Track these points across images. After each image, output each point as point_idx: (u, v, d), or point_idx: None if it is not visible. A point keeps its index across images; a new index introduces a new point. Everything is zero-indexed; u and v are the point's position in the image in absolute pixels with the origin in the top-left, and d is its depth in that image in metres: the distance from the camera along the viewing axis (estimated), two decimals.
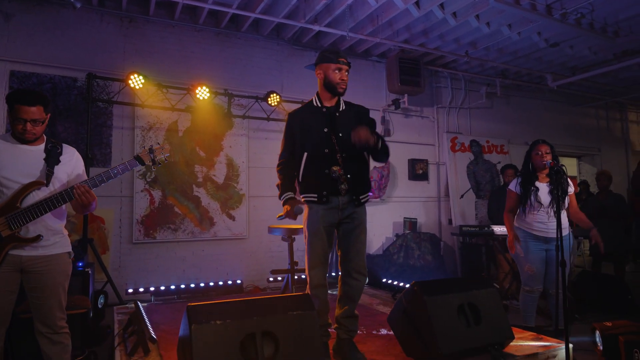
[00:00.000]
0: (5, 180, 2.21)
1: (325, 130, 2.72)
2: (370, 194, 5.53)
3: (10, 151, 2.27)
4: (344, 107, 2.83)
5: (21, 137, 2.28)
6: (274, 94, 5.39)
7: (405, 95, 6.51)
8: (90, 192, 2.30)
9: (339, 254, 2.83)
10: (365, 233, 2.81)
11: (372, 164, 6.99)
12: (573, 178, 9.29)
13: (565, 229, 3.35)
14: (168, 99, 5.13)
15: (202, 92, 5.05)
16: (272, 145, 5.79)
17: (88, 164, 4.61)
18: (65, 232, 2.45)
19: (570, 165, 9.40)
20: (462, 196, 7.11)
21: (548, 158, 3.39)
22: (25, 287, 2.29)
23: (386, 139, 6.68)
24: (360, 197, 2.78)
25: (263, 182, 5.80)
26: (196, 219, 5.44)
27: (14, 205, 2.20)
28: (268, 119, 5.63)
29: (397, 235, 6.48)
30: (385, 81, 6.66)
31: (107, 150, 5.09)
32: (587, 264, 6.11)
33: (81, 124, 4.90)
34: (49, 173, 2.30)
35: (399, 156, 6.94)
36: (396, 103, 6.61)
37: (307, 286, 2.71)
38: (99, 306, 4.02)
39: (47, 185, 2.28)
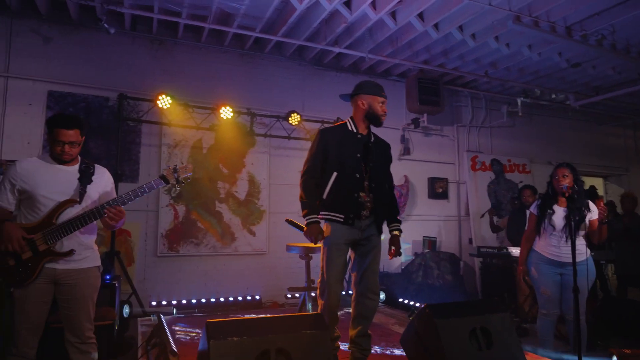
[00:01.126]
0: (43, 198, 2.38)
1: (359, 155, 2.86)
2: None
3: (48, 171, 2.45)
4: (374, 138, 2.99)
5: (59, 158, 2.45)
6: (295, 114, 5.55)
7: (425, 114, 6.57)
8: (121, 211, 2.44)
9: (353, 275, 2.91)
10: (380, 254, 2.91)
11: None
12: (600, 198, 9.07)
13: (582, 255, 3.32)
14: (193, 118, 5.34)
15: (226, 112, 5.24)
16: (293, 163, 5.93)
17: (117, 180, 4.84)
18: (96, 247, 2.60)
19: (596, 185, 9.19)
20: (482, 215, 7.06)
21: (564, 181, 3.39)
22: (57, 298, 2.44)
23: (406, 157, 6.81)
24: (382, 225, 2.94)
25: (283, 199, 5.93)
26: (218, 234, 5.59)
27: (50, 222, 2.36)
28: (289, 137, 5.78)
29: (416, 254, 6.48)
30: (405, 100, 6.74)
31: (135, 167, 5.32)
32: (613, 288, 5.96)
33: (112, 142, 5.14)
34: (82, 192, 2.46)
35: (418, 174, 6.97)
36: (415, 122, 6.67)
37: (324, 300, 2.77)
38: (125, 315, 4.17)
39: (80, 202, 2.44)
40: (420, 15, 5.01)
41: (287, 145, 5.96)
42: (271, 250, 5.84)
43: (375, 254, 2.87)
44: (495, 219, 6.47)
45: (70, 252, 2.39)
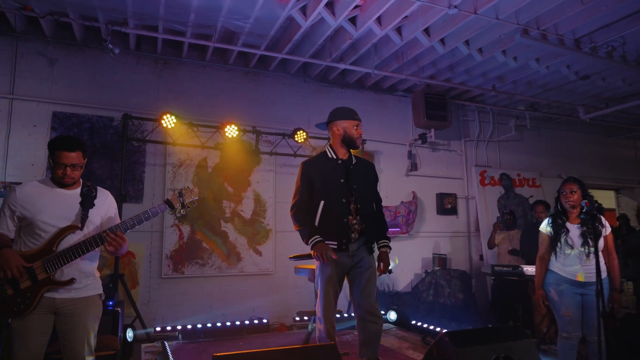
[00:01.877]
0: (43, 224, 2.30)
1: (342, 180, 2.93)
2: (398, 229, 5.48)
3: (49, 195, 2.37)
4: (355, 161, 3.05)
5: (60, 182, 2.38)
6: (301, 131, 5.47)
7: (432, 129, 6.48)
8: (121, 237, 2.35)
9: (351, 301, 2.95)
10: (375, 276, 2.94)
11: (399, 198, 6.86)
12: (611, 211, 8.89)
13: (602, 272, 3.18)
14: (198, 137, 5.28)
15: (231, 131, 5.18)
16: None
17: (121, 201, 4.77)
18: (97, 274, 2.50)
19: (607, 198, 9.04)
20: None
21: (572, 198, 3.28)
22: (57, 329, 2.33)
23: (413, 173, 6.70)
24: (373, 246, 2.97)
25: (289, 217, 5.78)
26: (223, 254, 5.47)
27: (50, 249, 2.27)
28: (295, 155, 5.69)
29: (426, 272, 6.31)
30: (412, 116, 6.67)
31: (140, 187, 5.24)
32: (632, 305, 5.77)
33: (116, 162, 5.08)
34: (83, 217, 2.38)
35: (426, 190, 6.85)
36: (423, 137, 6.58)
37: (322, 326, 2.83)
38: (128, 340, 4.04)
39: (81, 229, 2.35)
40: (427, 31, 4.96)
41: (293, 163, 5.87)
42: (278, 270, 5.72)
43: (369, 276, 2.89)
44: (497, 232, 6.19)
45: (71, 281, 2.29)
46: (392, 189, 6.58)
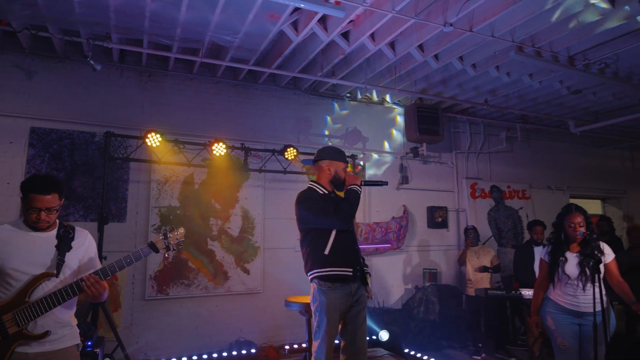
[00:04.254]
0: (14, 272, 2.12)
1: None
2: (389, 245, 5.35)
3: (21, 239, 2.19)
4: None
5: (34, 226, 2.20)
6: (291, 148, 5.31)
7: (424, 143, 6.39)
8: (100, 283, 2.20)
9: (342, 337, 2.86)
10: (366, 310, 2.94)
11: (390, 213, 6.74)
12: (594, 217, 8.89)
13: (603, 303, 3.11)
14: (184, 153, 5.10)
15: (219, 149, 5.00)
16: (289, 195, 5.66)
17: (103, 223, 4.56)
18: (75, 322, 2.33)
19: (594, 207, 9.07)
20: (483, 244, 6.84)
21: (581, 229, 3.20)
22: None
23: (404, 186, 6.59)
24: (364, 273, 2.97)
25: (278, 233, 5.68)
26: (210, 274, 5.30)
27: (23, 300, 2.10)
28: (285, 172, 5.52)
29: (416, 288, 6.24)
30: (404, 129, 6.57)
31: (123, 205, 5.04)
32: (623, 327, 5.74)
33: (98, 179, 4.87)
34: (59, 262, 2.21)
35: (417, 204, 6.76)
36: (414, 152, 6.49)
37: None
38: None
39: (57, 275, 2.18)
40: (421, 47, 4.86)
41: (282, 178, 5.72)
42: (266, 289, 5.57)
43: (365, 314, 2.88)
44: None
45: (46, 334, 2.12)
46: (383, 203, 6.48)
